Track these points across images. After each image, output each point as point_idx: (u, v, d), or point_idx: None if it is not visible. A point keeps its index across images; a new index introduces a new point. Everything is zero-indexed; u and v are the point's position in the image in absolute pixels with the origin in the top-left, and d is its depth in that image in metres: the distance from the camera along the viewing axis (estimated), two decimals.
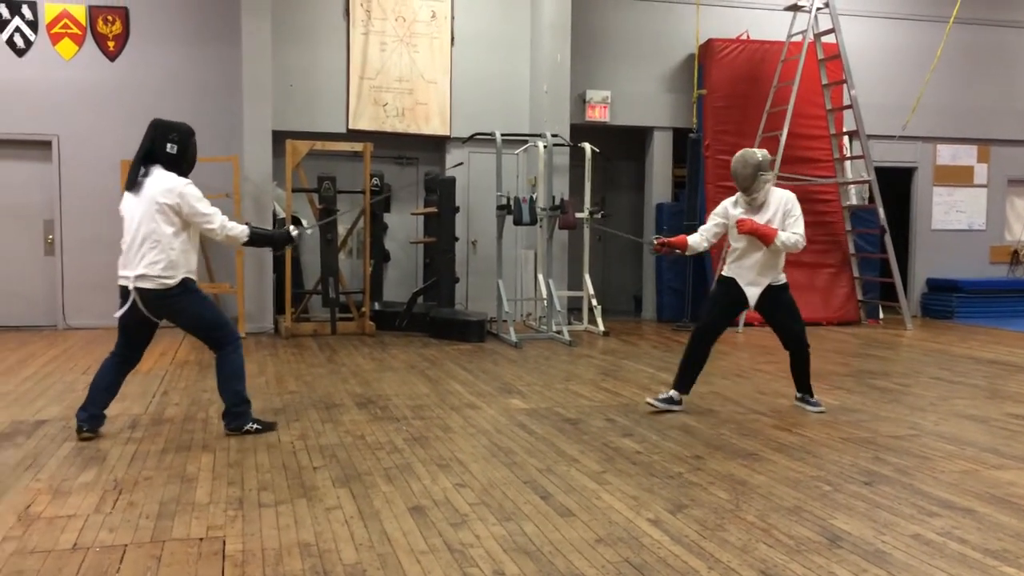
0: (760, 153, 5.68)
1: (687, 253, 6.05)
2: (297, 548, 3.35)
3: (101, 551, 3.31)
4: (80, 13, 10.15)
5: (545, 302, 10.01)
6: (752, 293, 5.75)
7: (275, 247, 5.47)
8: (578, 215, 10.25)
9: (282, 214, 10.03)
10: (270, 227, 9.61)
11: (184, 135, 5.03)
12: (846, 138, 11.83)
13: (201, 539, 3.44)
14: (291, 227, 5.52)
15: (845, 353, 8.95)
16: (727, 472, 4.45)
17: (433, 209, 10.23)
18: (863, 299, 11.59)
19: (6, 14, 9.96)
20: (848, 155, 11.89)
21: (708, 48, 11.61)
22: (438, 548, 3.37)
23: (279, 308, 10.12)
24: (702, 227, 6.00)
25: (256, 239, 5.33)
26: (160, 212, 4.84)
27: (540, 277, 10.26)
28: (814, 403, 5.98)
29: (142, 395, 6.27)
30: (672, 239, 5.99)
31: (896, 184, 12.69)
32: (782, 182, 10.95)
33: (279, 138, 9.97)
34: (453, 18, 11.14)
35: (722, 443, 5.07)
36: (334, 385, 6.80)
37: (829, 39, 11.28)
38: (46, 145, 10.16)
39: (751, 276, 5.74)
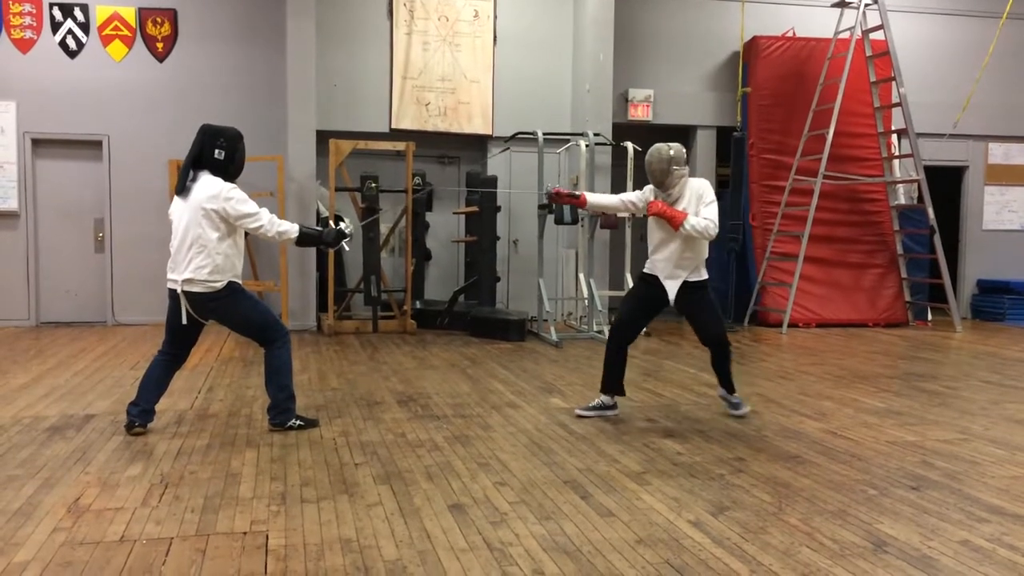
0: (673, 147, 5.44)
1: (586, 209, 5.81)
2: (338, 544, 3.38)
3: (148, 543, 3.37)
4: (130, 15, 10.36)
5: (586, 301, 9.98)
6: (671, 287, 5.50)
7: (326, 246, 5.50)
8: (620, 215, 10.20)
9: (325, 213, 10.13)
10: (315, 225, 9.70)
11: (231, 140, 5.07)
12: (894, 136, 11.63)
13: (245, 533, 3.49)
14: (342, 223, 5.55)
15: (892, 355, 8.79)
16: (770, 474, 4.40)
17: (475, 208, 10.25)
18: (911, 300, 11.38)
19: (59, 16, 10.20)
20: (896, 154, 11.69)
21: (753, 45, 11.48)
22: (478, 546, 3.37)
23: (322, 306, 10.22)
24: (621, 195, 5.77)
25: (306, 238, 5.31)
26: (206, 217, 4.90)
27: (581, 276, 10.23)
28: (736, 402, 5.74)
29: (188, 391, 6.37)
30: (569, 192, 5.71)
31: (946, 183, 12.43)
32: (828, 181, 10.85)
33: (323, 137, 10.07)
34: (496, 17, 11.15)
35: (765, 445, 5.01)
36: (375, 383, 6.85)
37: (877, 35, 11.09)
38: (97, 145, 10.38)
39: (668, 269, 5.50)
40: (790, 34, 11.61)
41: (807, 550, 3.36)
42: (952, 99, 11.81)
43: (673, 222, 5.32)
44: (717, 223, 5.37)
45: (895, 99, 11.18)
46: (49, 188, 10.36)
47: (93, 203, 10.46)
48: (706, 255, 5.57)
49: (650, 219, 5.57)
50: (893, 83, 11.11)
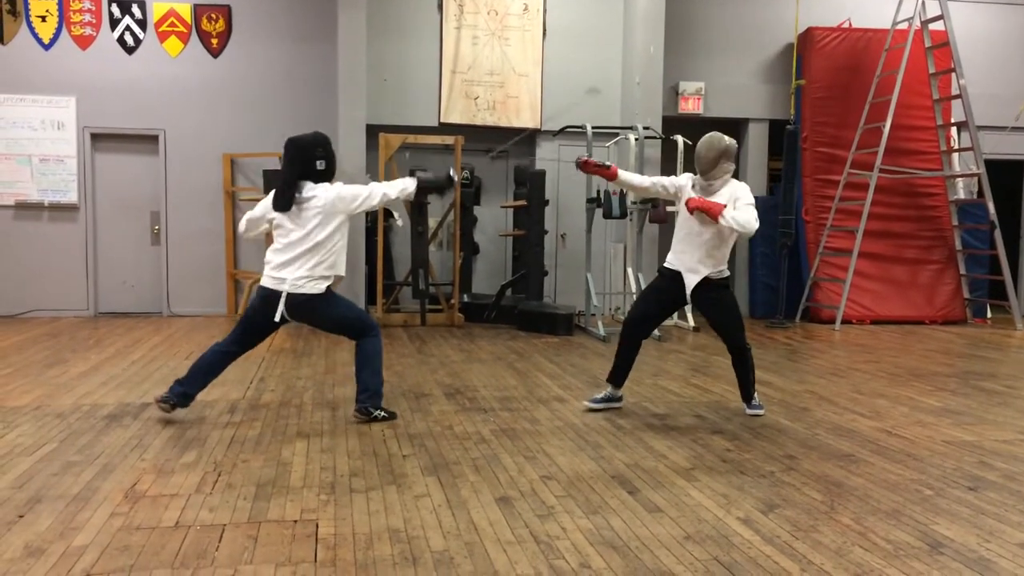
0: (728, 140, 5.37)
1: (615, 183, 5.63)
2: (387, 533, 3.41)
3: (201, 529, 3.43)
4: (186, 12, 10.54)
5: (634, 296, 9.91)
6: (690, 281, 5.40)
7: (440, 190, 5.77)
8: (669, 209, 10.11)
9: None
10: (361, 219, 9.75)
11: (327, 147, 5.18)
12: (954, 129, 11.34)
13: (295, 521, 3.53)
14: (450, 170, 5.83)
15: (950, 353, 8.59)
16: (821, 473, 4.32)
17: (523, 202, 10.25)
18: (970, 297, 11.11)
19: (117, 13, 10.42)
20: (956, 147, 11.40)
21: (808, 37, 11.29)
22: (524, 539, 3.37)
23: (371, 299, 10.31)
24: (654, 177, 5.63)
25: (423, 187, 5.61)
26: (332, 221, 5.04)
27: (629, 271, 10.17)
28: (755, 406, 5.62)
29: (240, 381, 6.47)
30: (600, 163, 5.57)
31: (1007, 177, 12.09)
32: (884, 175, 10.63)
33: (372, 132, 10.15)
34: (545, 11, 11.12)
35: (816, 443, 4.93)
36: (423, 375, 6.89)
37: (937, 26, 10.82)
38: (153, 139, 10.60)
39: (691, 262, 5.41)
40: (846, 25, 11.39)
41: (860, 550, 3.30)
42: (1014, 91, 11.49)
43: (712, 213, 5.22)
44: (755, 219, 5.26)
45: (955, 91, 10.91)
46: (107, 182, 10.61)
47: (150, 197, 10.68)
48: (728, 255, 5.49)
49: (681, 211, 5.51)
50: (953, 74, 10.84)
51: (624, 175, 5.57)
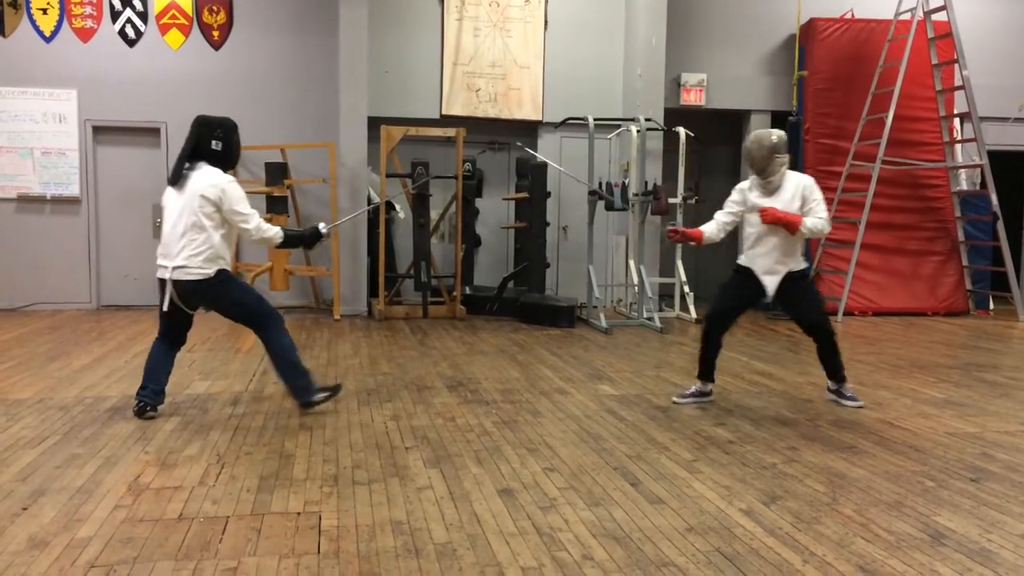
0: (776, 134, 5.41)
1: (703, 244, 5.75)
2: (389, 525, 3.42)
3: (205, 521, 3.44)
4: (187, 4, 10.52)
5: (636, 288, 9.92)
6: (770, 282, 5.45)
7: (307, 246, 5.61)
8: (671, 201, 10.11)
9: (376, 199, 10.20)
10: (365, 207, 9.75)
11: (228, 131, 5.14)
12: (956, 120, 11.31)
13: (298, 513, 3.54)
14: (321, 224, 5.54)
15: (952, 345, 8.59)
16: (824, 464, 4.33)
17: (524, 194, 10.24)
18: (972, 289, 11.09)
19: (118, 5, 10.40)
20: (959, 138, 11.38)
21: (810, 28, 11.25)
22: (527, 531, 3.38)
23: (373, 291, 10.31)
24: (718, 214, 5.68)
25: (289, 240, 5.41)
26: (203, 206, 4.94)
27: (631, 263, 10.17)
28: (849, 396, 5.65)
29: (242, 373, 6.49)
30: (688, 230, 5.72)
31: (1010, 169, 12.06)
32: (886, 167, 10.61)
33: (374, 124, 10.13)
34: (547, 2, 11.09)
35: (819, 435, 4.93)
36: (425, 368, 6.89)
37: (940, 16, 10.78)
38: (155, 132, 10.58)
39: (768, 264, 5.45)
40: (849, 16, 11.35)
41: (862, 541, 3.31)
42: (1017, 81, 11.46)
43: (791, 228, 5.31)
44: (829, 219, 5.39)
45: (958, 82, 10.88)
46: (109, 174, 10.60)
47: (152, 189, 10.63)
48: (802, 248, 5.54)
49: (748, 215, 5.53)
50: (956, 65, 10.81)
51: (708, 232, 5.66)
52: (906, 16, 10.77)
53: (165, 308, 5.11)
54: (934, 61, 11.01)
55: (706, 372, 5.73)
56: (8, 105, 10.24)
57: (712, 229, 5.64)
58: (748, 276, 5.55)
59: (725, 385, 6.32)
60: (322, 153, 9.99)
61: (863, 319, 10.48)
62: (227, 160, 5.15)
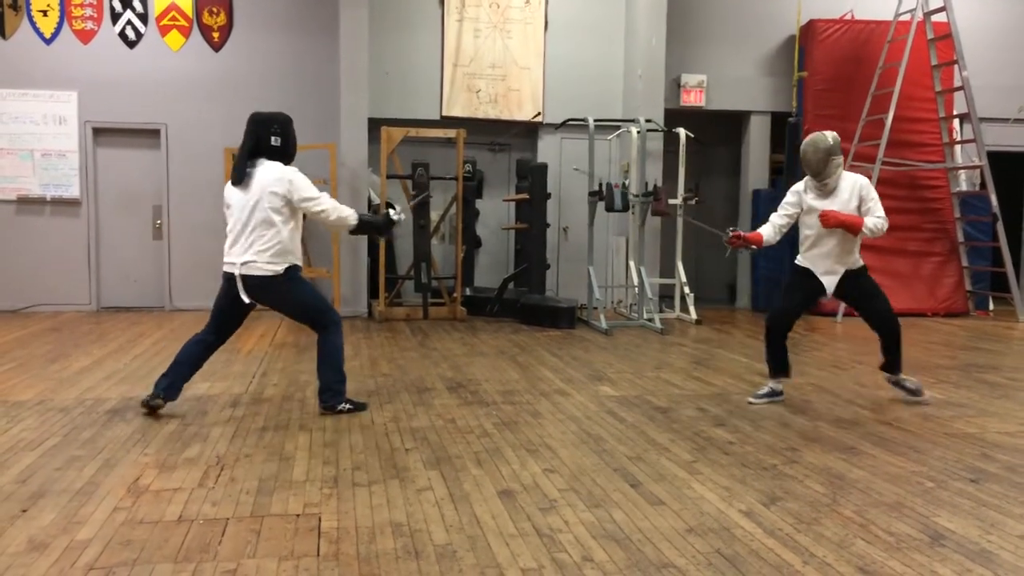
0: (831, 136, 5.49)
1: (762, 247, 5.84)
2: (389, 527, 3.41)
3: (204, 523, 3.44)
4: (187, 5, 10.53)
5: (636, 289, 9.92)
6: (829, 282, 5.58)
7: (380, 232, 5.63)
8: (671, 201, 10.10)
9: (377, 200, 10.21)
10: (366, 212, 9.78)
11: (284, 125, 5.18)
12: (956, 121, 11.31)
13: (298, 515, 3.54)
14: (390, 211, 5.60)
15: (952, 345, 8.58)
16: (824, 465, 4.33)
17: (525, 195, 10.24)
18: (972, 289, 11.09)
19: (119, 7, 10.41)
20: (958, 139, 11.38)
21: (810, 29, 11.25)
22: (527, 532, 3.38)
23: (373, 293, 10.32)
24: (773, 216, 5.75)
25: (363, 224, 5.46)
26: (271, 200, 4.99)
27: (631, 264, 10.17)
28: (912, 388, 5.74)
29: (242, 375, 6.48)
30: (748, 234, 5.78)
31: (1010, 170, 12.06)
32: (886, 168, 10.60)
33: (374, 125, 10.14)
34: (547, 3, 11.10)
35: (819, 436, 4.93)
36: (426, 369, 6.89)
37: (940, 18, 10.78)
38: (155, 134, 10.59)
39: (827, 264, 5.56)
40: (848, 17, 11.35)
41: (862, 542, 3.31)
42: (1017, 83, 11.46)
43: (854, 230, 5.41)
44: (886, 217, 5.48)
45: (957, 83, 10.88)
46: (109, 176, 10.61)
47: (152, 191, 10.68)
48: (859, 246, 5.60)
49: (803, 216, 5.61)
50: (955, 66, 10.81)
51: (767, 235, 5.74)
52: (906, 17, 10.77)
53: (222, 302, 5.17)
54: (934, 62, 11.02)
55: (779, 368, 5.79)
56: (8, 107, 10.25)
57: (769, 232, 5.74)
58: (808, 276, 5.65)
59: (725, 386, 6.32)
60: (322, 154, 9.99)
61: (862, 320, 10.45)
62: (287, 153, 5.18)
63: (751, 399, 5.79)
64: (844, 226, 5.41)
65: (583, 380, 6.51)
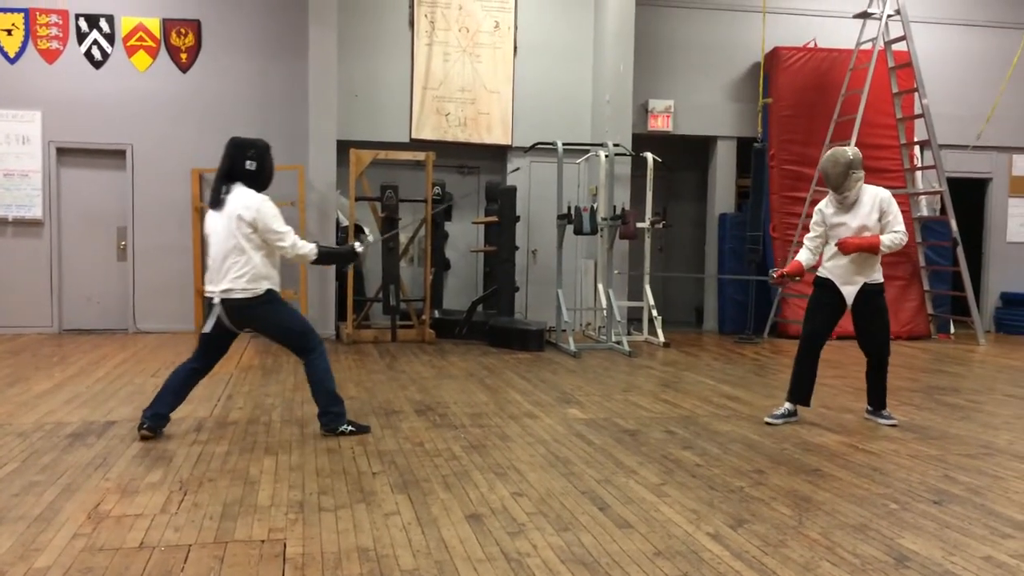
0: (851, 151, 5.65)
1: (805, 273, 5.97)
2: (356, 553, 3.38)
3: (166, 550, 3.38)
4: (155, 26, 10.47)
5: (604, 312, 9.95)
6: (848, 292, 5.69)
7: (341, 264, 5.66)
8: (639, 225, 10.18)
9: (345, 222, 10.17)
10: (333, 235, 9.73)
11: (261, 151, 5.21)
12: (917, 148, 11.54)
13: (263, 541, 3.49)
14: (356, 243, 5.61)
15: (914, 368, 8.71)
16: (790, 488, 4.36)
17: (494, 218, 10.26)
18: (933, 313, 11.28)
19: (85, 27, 10.32)
20: (919, 165, 11.60)
21: (774, 56, 11.45)
22: (495, 556, 3.36)
23: (341, 315, 10.25)
24: (805, 239, 5.94)
25: (323, 258, 5.47)
26: (241, 227, 5.00)
27: (600, 287, 10.21)
28: (886, 416, 5.87)
29: (207, 398, 6.40)
30: (787, 268, 5.97)
31: (969, 196, 12.32)
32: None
33: (343, 147, 10.12)
34: (516, 28, 11.19)
35: (785, 458, 4.97)
36: (394, 392, 6.85)
37: (900, 46, 11.03)
38: (120, 154, 10.48)
39: (848, 275, 5.68)
40: (812, 45, 11.57)
41: (827, 564, 3.33)
42: (976, 111, 11.72)
43: (872, 251, 5.55)
44: (905, 231, 5.62)
45: (918, 110, 11.12)
46: (73, 197, 10.47)
47: (116, 212, 10.55)
48: (880, 260, 5.73)
49: (830, 232, 5.74)
50: (916, 94, 11.05)
51: (805, 261, 5.89)
52: (867, 46, 11.00)
53: (208, 329, 5.16)
54: (895, 90, 11.25)
55: (800, 395, 5.86)
56: None
57: (806, 256, 5.89)
58: (830, 289, 5.75)
59: (693, 409, 6.35)
60: (291, 176, 9.94)
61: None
62: (262, 180, 5.19)
63: (768, 419, 5.86)
64: (862, 250, 5.55)
65: (552, 403, 6.51)
